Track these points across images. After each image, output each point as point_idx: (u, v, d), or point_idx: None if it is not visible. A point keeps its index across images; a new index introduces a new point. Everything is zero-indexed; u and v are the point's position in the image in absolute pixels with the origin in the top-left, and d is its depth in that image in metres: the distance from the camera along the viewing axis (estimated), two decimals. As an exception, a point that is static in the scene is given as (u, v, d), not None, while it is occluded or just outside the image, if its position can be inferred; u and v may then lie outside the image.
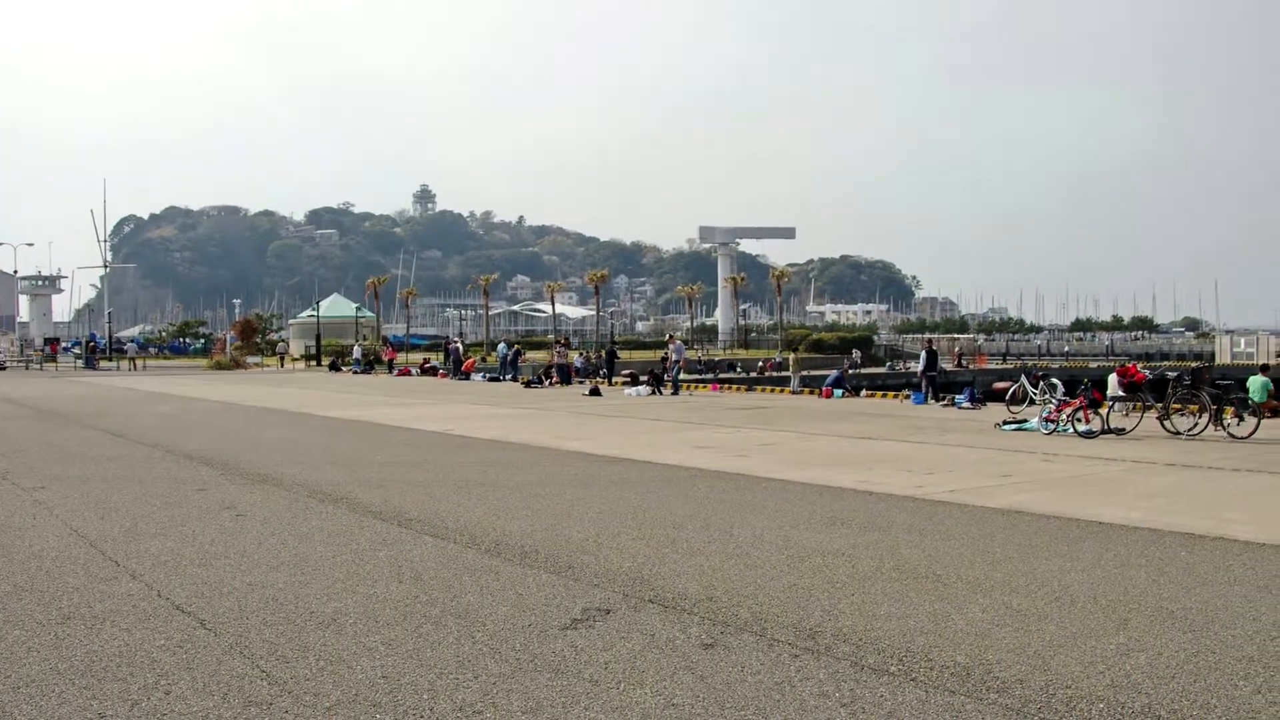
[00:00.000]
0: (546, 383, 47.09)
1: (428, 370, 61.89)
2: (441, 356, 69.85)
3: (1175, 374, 22.88)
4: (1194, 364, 29.02)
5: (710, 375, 58.56)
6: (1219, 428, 20.64)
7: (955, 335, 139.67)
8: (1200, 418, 21.06)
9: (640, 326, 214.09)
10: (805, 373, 47.86)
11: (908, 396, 36.21)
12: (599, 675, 5.89)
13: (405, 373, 62.04)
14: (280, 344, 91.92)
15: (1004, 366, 78.81)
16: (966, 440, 20.34)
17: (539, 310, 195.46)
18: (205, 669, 6.09)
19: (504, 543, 9.70)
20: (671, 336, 57.26)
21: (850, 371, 47.99)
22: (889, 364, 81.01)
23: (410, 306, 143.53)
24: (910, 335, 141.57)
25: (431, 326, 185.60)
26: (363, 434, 22.33)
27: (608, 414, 28.36)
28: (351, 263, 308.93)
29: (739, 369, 68.45)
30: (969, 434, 21.81)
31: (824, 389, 39.47)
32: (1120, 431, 21.12)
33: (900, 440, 20.32)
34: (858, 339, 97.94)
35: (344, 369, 68.40)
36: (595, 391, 38.91)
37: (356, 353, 70.64)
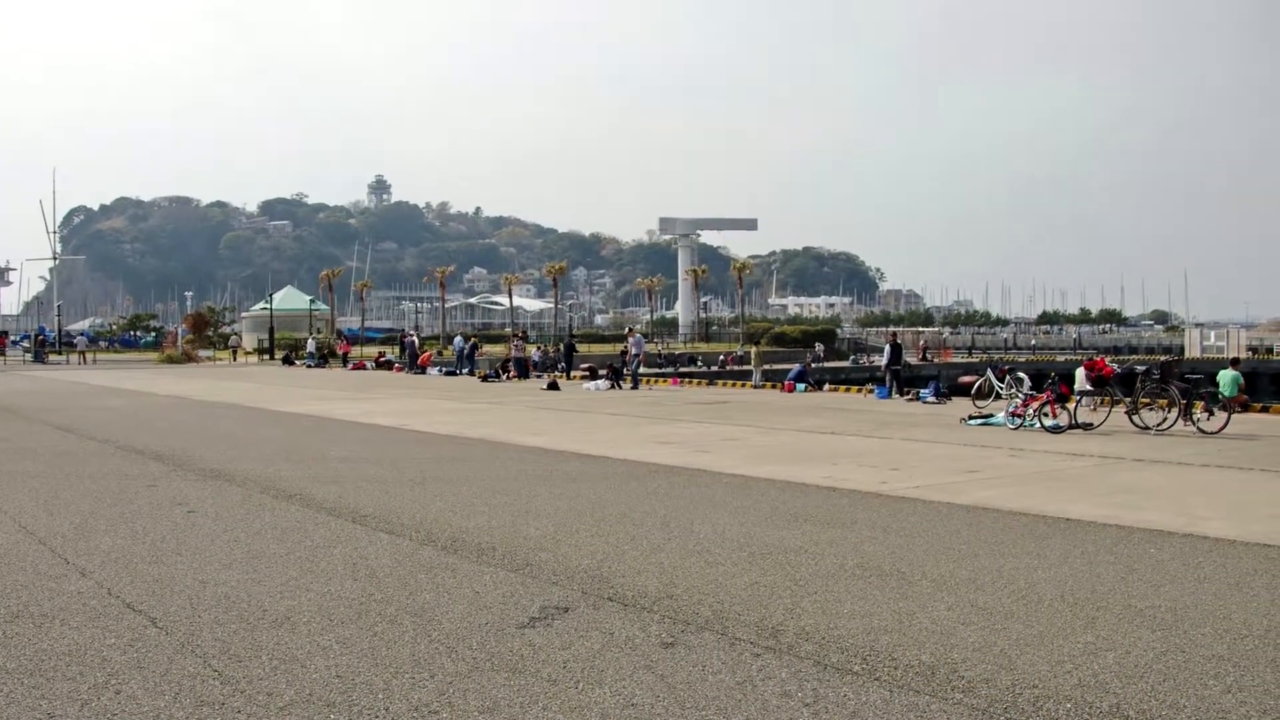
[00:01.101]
0: (504, 377, 46.95)
1: (383, 364, 61.58)
2: (397, 350, 69.58)
3: (1144, 368, 23.05)
4: (1163, 358, 29.13)
5: (670, 369, 58.55)
6: (1188, 422, 20.80)
7: (920, 328, 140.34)
8: (1169, 412, 21.21)
9: (599, 319, 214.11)
10: (767, 367, 47.87)
11: (871, 391, 36.30)
12: (557, 674, 5.86)
13: (360, 366, 61.71)
14: (233, 337, 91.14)
15: (970, 360, 79.27)
16: (931, 435, 20.42)
17: (496, 303, 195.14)
18: (156, 668, 6.03)
19: (461, 540, 9.65)
20: (631, 330, 57.27)
21: (813, 365, 47.95)
22: (852, 358, 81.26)
23: (365, 299, 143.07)
24: (874, 328, 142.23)
25: (387, 319, 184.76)
26: (317, 429, 22.20)
27: (566, 408, 28.33)
28: (305, 255, 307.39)
29: (700, 363, 68.36)
30: (934, 429, 21.90)
31: (786, 383, 39.53)
32: (1088, 426, 21.25)
33: (864, 435, 20.38)
34: (821, 332, 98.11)
35: (297, 363, 67.98)
36: (553, 386, 38.91)
37: (310, 346, 70.20)
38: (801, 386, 38.78)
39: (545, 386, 38.89)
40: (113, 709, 5.40)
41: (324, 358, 68.37)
